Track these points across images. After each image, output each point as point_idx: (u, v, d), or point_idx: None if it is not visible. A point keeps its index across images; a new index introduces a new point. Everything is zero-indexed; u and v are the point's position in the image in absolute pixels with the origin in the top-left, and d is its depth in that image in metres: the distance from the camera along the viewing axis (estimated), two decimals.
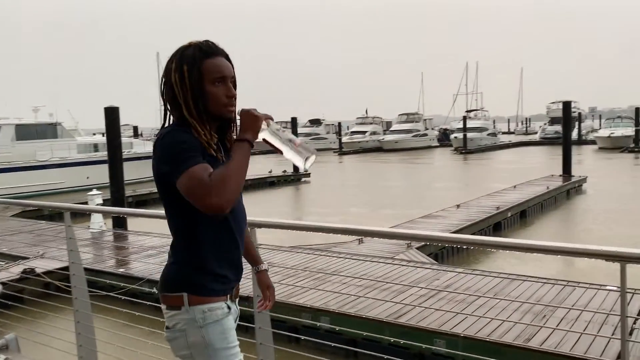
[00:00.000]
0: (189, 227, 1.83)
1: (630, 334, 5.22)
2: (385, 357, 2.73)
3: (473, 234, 11.49)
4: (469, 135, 46.19)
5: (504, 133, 74.63)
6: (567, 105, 21.85)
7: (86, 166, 24.43)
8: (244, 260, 2.01)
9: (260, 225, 2.67)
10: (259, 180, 24.34)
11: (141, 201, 19.06)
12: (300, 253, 8.94)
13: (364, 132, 52.39)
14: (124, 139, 16.69)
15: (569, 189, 18.50)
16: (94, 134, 31.98)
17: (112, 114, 12.47)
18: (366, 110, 59.03)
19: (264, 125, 1.79)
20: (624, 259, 1.87)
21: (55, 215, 15.44)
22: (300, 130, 47.47)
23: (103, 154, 20.50)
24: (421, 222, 12.15)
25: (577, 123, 49.64)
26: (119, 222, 12.31)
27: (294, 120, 31.97)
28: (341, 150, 49.84)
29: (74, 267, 3.57)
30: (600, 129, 51.44)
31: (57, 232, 11.59)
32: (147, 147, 28.93)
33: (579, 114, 54.30)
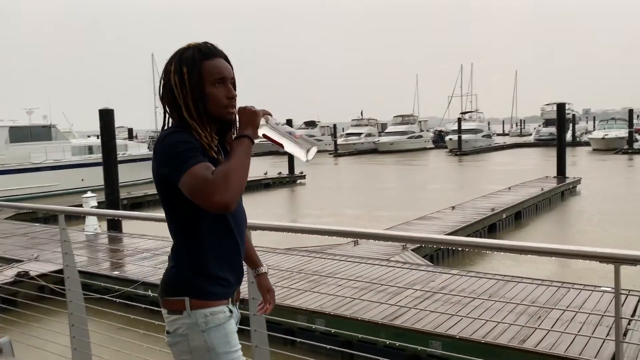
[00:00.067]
0: (189, 229, 1.81)
1: (625, 335, 5.24)
2: (381, 359, 2.73)
3: (468, 235, 11.51)
4: (464, 137, 46.31)
5: (498, 135, 74.78)
6: (561, 107, 21.94)
7: (81, 168, 24.35)
8: None
9: (256, 227, 2.66)
10: (254, 182, 24.31)
11: (136, 203, 18.96)
12: (295, 255, 8.94)
13: (359, 134, 52.42)
14: (118, 141, 16.66)
15: (563, 191, 18.57)
16: (89, 136, 31.87)
17: (106, 116, 12.44)
18: (361, 112, 59.10)
19: (262, 120, 1.78)
20: (618, 261, 1.88)
21: (49, 218, 15.37)
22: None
23: (98, 156, 20.47)
24: (416, 223, 12.16)
25: (571, 125, 49.81)
26: (114, 225, 12.27)
27: (289, 122, 31.99)
28: (336, 152, 49.85)
29: (69, 270, 3.56)
30: (594, 130, 51.68)
31: (52, 234, 11.55)
32: (142, 150, 28.88)
33: (573, 115, 54.43)
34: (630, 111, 41.56)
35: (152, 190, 20.11)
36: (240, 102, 1.83)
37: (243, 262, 1.98)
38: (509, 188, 17.51)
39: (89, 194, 12.55)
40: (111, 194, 12.37)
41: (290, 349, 5.60)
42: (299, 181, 27.04)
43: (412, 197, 21.03)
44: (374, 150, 49.91)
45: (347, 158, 46.00)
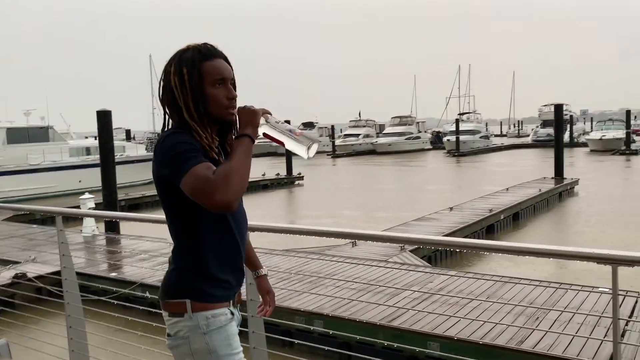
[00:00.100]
0: (189, 230, 1.81)
1: (622, 336, 5.24)
2: None
3: (466, 236, 11.52)
4: (462, 137, 46.34)
5: (496, 136, 74.97)
6: (558, 108, 22.01)
7: (78, 170, 24.32)
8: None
9: (254, 228, 2.65)
10: (252, 183, 24.30)
11: (134, 205, 18.95)
12: (293, 256, 8.94)
13: (357, 135, 52.47)
14: (116, 143, 16.62)
15: (561, 192, 18.60)
16: (87, 137, 31.85)
17: (104, 118, 12.43)
18: (359, 113, 59.16)
19: (262, 120, 1.78)
20: (615, 262, 1.88)
21: (47, 219, 15.35)
22: None
23: (95, 158, 20.45)
24: (414, 224, 12.17)
25: (568, 126, 49.92)
26: (112, 226, 12.26)
27: (287, 122, 31.95)
28: (334, 153, 49.86)
29: (66, 272, 3.55)
30: (591, 131, 51.74)
31: (49, 236, 11.53)
32: (140, 151, 28.85)
33: (571, 116, 54.59)
34: (628, 112, 41.64)
35: (150, 191, 20.11)
36: (240, 102, 1.83)
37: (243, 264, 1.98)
38: (507, 189, 17.53)
39: (87, 195, 12.52)
40: (109, 195, 12.37)
41: (288, 351, 5.60)
42: (297, 182, 27.04)
43: (410, 198, 21.04)
44: (372, 151, 49.93)
45: (345, 159, 46.02)
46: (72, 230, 11.88)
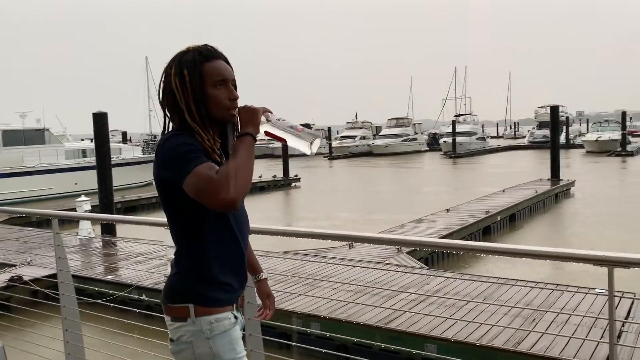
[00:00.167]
0: (191, 232, 1.80)
1: (619, 337, 5.26)
2: None
3: (463, 238, 11.53)
4: (458, 139, 46.43)
5: (492, 137, 75.07)
6: (554, 109, 22.04)
7: (74, 172, 24.27)
8: None
9: (251, 231, 2.65)
10: None
11: (130, 207, 18.91)
12: (290, 258, 8.93)
13: (353, 137, 52.54)
14: (112, 145, 16.62)
15: (557, 193, 18.64)
16: (82, 140, 31.78)
17: (100, 120, 12.41)
18: (356, 115, 59.30)
19: (263, 118, 1.78)
20: (611, 263, 1.89)
21: (43, 222, 15.31)
22: None
23: (91, 160, 20.39)
24: (411, 226, 12.18)
25: (564, 127, 50.04)
26: (108, 229, 12.24)
27: None
28: (331, 155, 49.91)
29: (62, 275, 3.54)
30: (587, 133, 51.89)
31: (45, 239, 11.48)
32: (136, 153, 28.80)
33: (567, 118, 54.71)
34: (624, 113, 41.77)
35: (146, 193, 20.10)
36: (240, 103, 1.83)
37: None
38: (503, 190, 17.56)
39: (83, 197, 12.47)
40: (105, 198, 12.35)
41: (285, 353, 5.59)
42: (293, 184, 27.02)
43: (407, 199, 21.05)
44: (369, 153, 49.99)
45: (341, 161, 46.06)
46: (68, 233, 11.86)
